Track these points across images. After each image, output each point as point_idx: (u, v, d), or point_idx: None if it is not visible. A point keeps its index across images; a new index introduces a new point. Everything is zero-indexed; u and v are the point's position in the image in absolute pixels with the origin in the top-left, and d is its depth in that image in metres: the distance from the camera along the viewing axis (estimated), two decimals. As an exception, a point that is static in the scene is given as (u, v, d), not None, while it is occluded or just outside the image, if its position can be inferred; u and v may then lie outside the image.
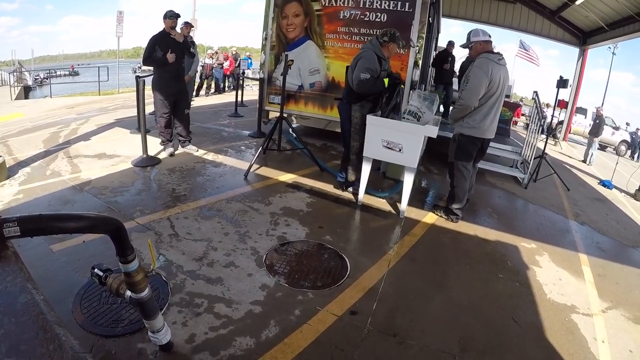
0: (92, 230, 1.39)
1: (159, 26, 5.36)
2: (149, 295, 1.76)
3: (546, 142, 7.38)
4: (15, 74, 19.28)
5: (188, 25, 6.45)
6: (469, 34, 4.21)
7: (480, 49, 4.09)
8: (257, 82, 9.57)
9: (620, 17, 11.37)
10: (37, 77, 26.14)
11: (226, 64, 14.94)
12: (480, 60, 3.98)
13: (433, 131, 4.01)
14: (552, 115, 9.15)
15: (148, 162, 5.09)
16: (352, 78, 4.27)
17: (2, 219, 1.18)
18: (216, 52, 15.05)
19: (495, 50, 4.15)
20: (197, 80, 12.58)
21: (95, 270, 1.75)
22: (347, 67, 4.49)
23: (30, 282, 1.11)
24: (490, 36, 4.12)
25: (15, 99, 14.28)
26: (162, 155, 5.48)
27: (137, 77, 5.40)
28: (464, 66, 7.43)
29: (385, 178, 5.62)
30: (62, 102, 11.90)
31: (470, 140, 4.17)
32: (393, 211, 4.48)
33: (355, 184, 4.74)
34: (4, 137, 6.18)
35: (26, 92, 17.84)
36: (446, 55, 9.22)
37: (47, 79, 26.17)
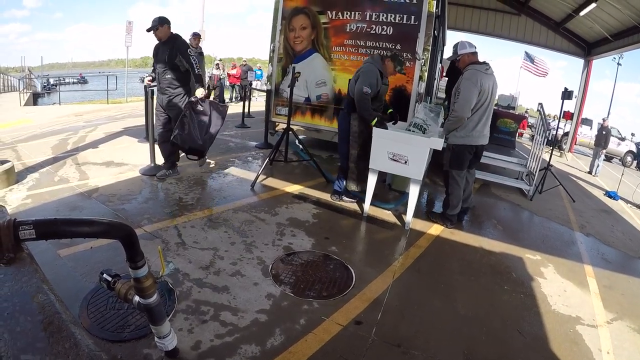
0: (104, 235, 1.42)
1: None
2: (157, 301, 1.79)
3: (551, 154, 7.37)
4: (24, 80, 19.55)
5: (197, 37, 6.49)
6: (455, 47, 4.38)
7: (467, 60, 4.24)
8: (263, 94, 9.64)
9: (624, 28, 11.44)
10: (45, 85, 26.43)
11: (233, 72, 15.20)
12: (468, 72, 4.12)
13: (438, 143, 4.04)
14: (558, 127, 9.15)
15: (156, 171, 5.12)
16: (353, 89, 4.36)
17: (18, 222, 1.22)
18: (218, 63, 15.29)
19: (482, 60, 4.26)
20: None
21: (104, 275, 1.78)
22: (350, 80, 4.59)
23: (45, 283, 1.14)
24: (475, 47, 4.27)
25: (24, 105, 14.47)
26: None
27: (146, 87, 5.45)
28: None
29: (391, 190, 5.63)
30: (70, 110, 12.05)
31: (464, 149, 4.28)
32: (398, 223, 4.49)
33: (352, 193, 4.81)
34: (13, 142, 6.28)
35: (35, 98, 18.06)
36: None
37: (55, 85, 26.51)
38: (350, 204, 4.79)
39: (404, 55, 5.89)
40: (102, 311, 2.41)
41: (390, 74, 4.61)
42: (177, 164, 5.17)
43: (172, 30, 4.79)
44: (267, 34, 6.88)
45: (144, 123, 6.53)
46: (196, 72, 4.70)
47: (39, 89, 22.73)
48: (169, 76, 4.79)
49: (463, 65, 4.27)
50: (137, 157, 5.74)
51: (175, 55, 4.70)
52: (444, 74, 9.44)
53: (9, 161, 4.37)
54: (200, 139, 4.70)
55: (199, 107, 4.65)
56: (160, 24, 4.68)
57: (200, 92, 4.66)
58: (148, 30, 4.72)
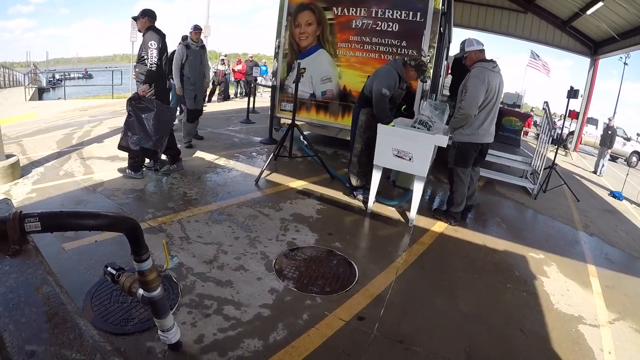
0: (109, 228, 1.42)
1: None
2: (161, 294, 1.79)
3: (556, 153, 7.34)
4: (29, 75, 19.60)
5: (197, 30, 6.42)
6: (462, 44, 4.34)
7: (474, 57, 4.20)
8: (268, 89, 9.62)
9: (631, 27, 11.37)
10: (51, 80, 26.46)
11: (239, 68, 15.29)
12: (475, 69, 4.09)
13: (443, 140, 4.03)
14: (563, 126, 9.11)
15: (160, 165, 5.11)
16: (370, 87, 4.42)
17: (23, 214, 1.22)
18: (224, 58, 15.29)
19: (489, 58, 4.23)
20: (210, 86, 12.69)
21: (109, 268, 1.78)
22: (368, 77, 4.66)
23: (50, 274, 1.14)
24: (483, 45, 4.23)
25: (30, 99, 14.50)
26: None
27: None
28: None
29: (395, 186, 5.63)
30: (75, 105, 12.07)
31: (469, 146, 4.28)
32: (402, 219, 4.49)
33: (361, 189, 4.81)
34: (18, 136, 6.30)
35: (40, 93, 18.09)
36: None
37: (60, 81, 26.56)
38: (353, 200, 4.79)
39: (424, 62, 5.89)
40: (106, 304, 2.42)
41: (412, 79, 4.62)
42: (181, 158, 5.18)
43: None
44: (269, 34, 6.93)
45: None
46: (148, 66, 4.52)
47: (44, 84, 22.74)
48: (137, 70, 4.77)
49: (470, 63, 4.23)
50: (141, 151, 5.74)
51: (141, 47, 4.64)
52: (449, 71, 9.42)
53: (14, 155, 4.40)
54: (152, 137, 4.56)
55: (142, 104, 4.53)
56: (141, 16, 4.67)
57: (141, 89, 4.55)
58: (133, 19, 4.77)
